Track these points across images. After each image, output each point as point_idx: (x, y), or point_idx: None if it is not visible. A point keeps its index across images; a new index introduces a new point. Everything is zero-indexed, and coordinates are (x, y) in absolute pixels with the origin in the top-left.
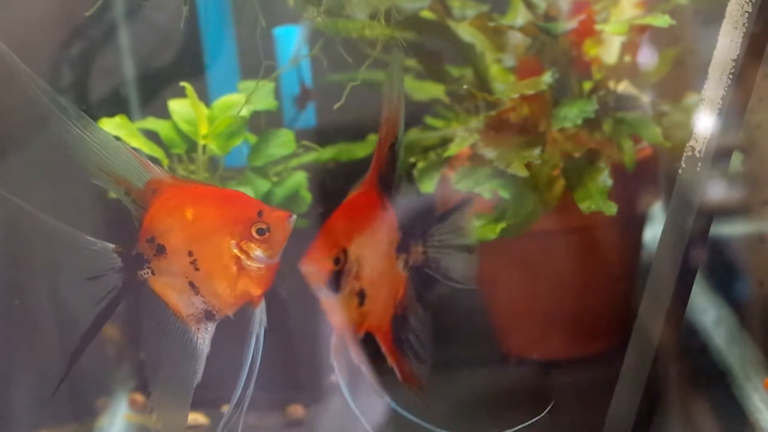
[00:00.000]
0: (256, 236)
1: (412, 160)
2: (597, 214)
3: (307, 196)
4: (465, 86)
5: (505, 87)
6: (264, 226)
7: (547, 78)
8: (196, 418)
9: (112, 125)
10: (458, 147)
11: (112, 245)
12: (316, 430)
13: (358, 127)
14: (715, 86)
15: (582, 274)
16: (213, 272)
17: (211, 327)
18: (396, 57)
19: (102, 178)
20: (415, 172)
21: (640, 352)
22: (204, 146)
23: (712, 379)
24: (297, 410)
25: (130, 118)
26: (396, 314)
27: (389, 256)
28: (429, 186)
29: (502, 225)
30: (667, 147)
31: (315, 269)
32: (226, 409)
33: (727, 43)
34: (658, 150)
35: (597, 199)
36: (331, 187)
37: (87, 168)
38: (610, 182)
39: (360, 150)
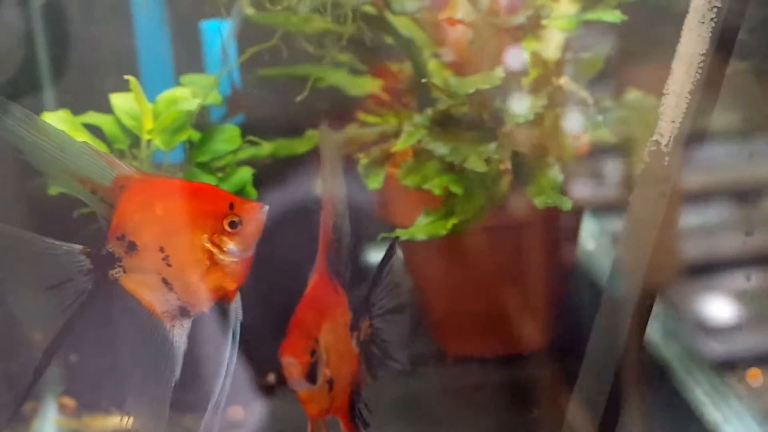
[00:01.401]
0: (229, 229)
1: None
2: (530, 211)
3: (253, 193)
4: (423, 80)
5: (459, 82)
6: (236, 219)
7: (500, 73)
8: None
9: (55, 119)
10: (406, 142)
11: (78, 246)
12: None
13: (295, 122)
14: (681, 81)
15: (516, 271)
16: (186, 268)
17: (187, 324)
18: (326, 136)
19: (64, 182)
20: (360, 169)
21: (601, 354)
22: (148, 142)
23: (652, 375)
24: (236, 412)
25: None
26: (352, 391)
27: (346, 338)
28: (376, 182)
29: (453, 221)
30: (611, 143)
31: (295, 363)
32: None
33: (693, 37)
34: (596, 146)
35: (551, 194)
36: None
37: (47, 172)
38: (561, 177)
39: (299, 146)
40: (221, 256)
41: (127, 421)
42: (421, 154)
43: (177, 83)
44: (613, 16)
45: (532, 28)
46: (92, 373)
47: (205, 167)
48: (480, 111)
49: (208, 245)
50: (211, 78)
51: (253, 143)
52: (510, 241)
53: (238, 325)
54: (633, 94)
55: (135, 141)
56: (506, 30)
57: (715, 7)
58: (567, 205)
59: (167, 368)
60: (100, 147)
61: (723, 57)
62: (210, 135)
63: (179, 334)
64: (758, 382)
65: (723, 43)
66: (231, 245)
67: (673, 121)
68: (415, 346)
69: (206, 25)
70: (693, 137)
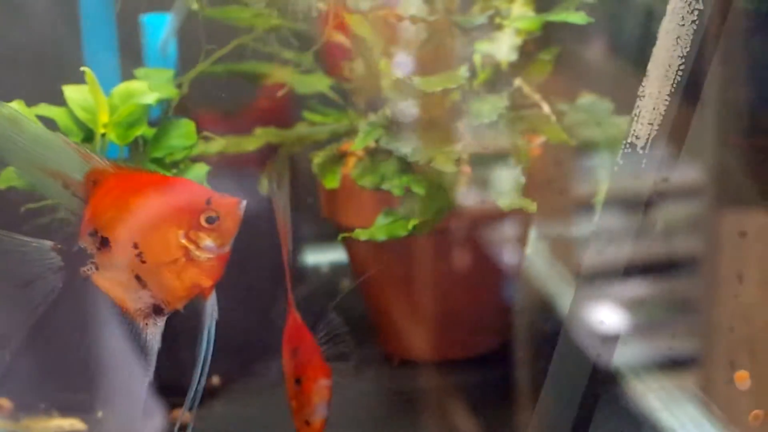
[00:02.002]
0: (206, 225)
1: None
2: (481, 213)
3: None
4: (395, 77)
5: (423, 81)
6: (214, 214)
7: (464, 72)
8: (73, 423)
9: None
10: (364, 141)
11: (49, 243)
12: None
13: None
14: (659, 83)
15: (464, 275)
16: (160, 264)
17: (161, 322)
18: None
19: (34, 175)
20: (315, 168)
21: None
22: (103, 135)
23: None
24: (183, 415)
25: None
26: None
27: None
28: (333, 181)
29: (414, 222)
30: (570, 145)
31: (330, 386)
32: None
33: (671, 40)
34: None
35: (514, 196)
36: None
37: (16, 165)
38: (523, 179)
39: (248, 143)
40: (197, 253)
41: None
42: (376, 154)
43: (121, 77)
44: (579, 17)
45: (492, 28)
46: (30, 374)
47: (159, 163)
48: (439, 111)
49: (183, 241)
50: (167, 72)
51: (207, 138)
52: (459, 244)
53: (214, 323)
54: (586, 98)
55: (88, 134)
56: (463, 30)
57: (696, 9)
58: (532, 207)
59: (140, 367)
60: None
61: (704, 60)
62: (165, 130)
63: (153, 333)
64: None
65: (704, 47)
66: (207, 241)
67: (651, 124)
68: (360, 349)
69: (147, 19)
70: (672, 140)
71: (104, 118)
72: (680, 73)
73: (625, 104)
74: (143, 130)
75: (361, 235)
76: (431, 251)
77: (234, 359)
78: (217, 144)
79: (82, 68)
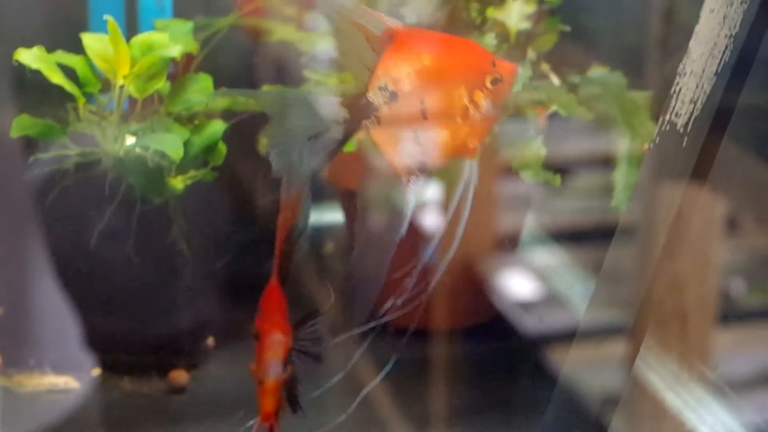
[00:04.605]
0: (490, 86)
1: None
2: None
3: (223, 148)
4: None
5: None
6: (498, 76)
7: (492, 40)
8: (67, 381)
9: (30, 57)
10: None
11: (338, 98)
12: (200, 396)
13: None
14: (703, 62)
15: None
16: (441, 121)
17: (423, 180)
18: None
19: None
20: None
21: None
22: (122, 87)
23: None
24: (180, 376)
25: None
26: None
27: None
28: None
29: None
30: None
31: (283, 342)
32: (97, 372)
33: (718, 19)
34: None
35: (537, 168)
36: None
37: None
38: (544, 151)
39: (256, 102)
40: (475, 112)
41: None
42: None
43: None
44: None
45: None
46: (18, 327)
47: (177, 117)
48: None
49: (465, 100)
50: (186, 24)
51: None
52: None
53: (472, 182)
54: (598, 70)
55: (106, 85)
56: None
57: None
58: (557, 180)
59: (395, 224)
60: (74, 90)
61: (754, 41)
62: (183, 84)
63: (413, 191)
64: None
65: (755, 28)
66: (486, 102)
67: (693, 102)
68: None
69: None
70: (717, 121)
71: (125, 69)
72: (728, 53)
73: (634, 78)
74: (162, 84)
75: None
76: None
77: (228, 319)
78: (224, 100)
79: (105, 17)
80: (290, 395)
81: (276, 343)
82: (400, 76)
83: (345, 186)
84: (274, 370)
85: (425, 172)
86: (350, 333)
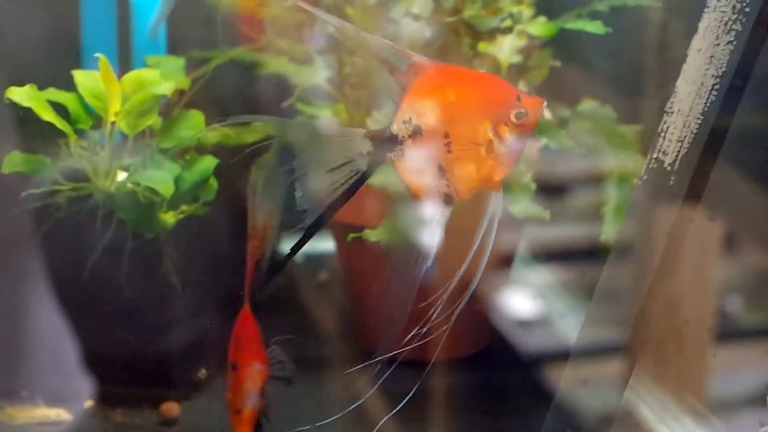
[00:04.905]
0: (515, 120)
1: None
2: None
3: (214, 183)
4: None
5: None
6: (522, 110)
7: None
8: (59, 413)
9: (21, 95)
10: None
11: (362, 130)
12: (191, 428)
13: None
14: (690, 101)
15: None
16: (464, 155)
17: (447, 212)
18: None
19: (370, 59)
20: None
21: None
22: (113, 124)
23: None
24: (172, 408)
25: None
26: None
27: None
28: None
29: None
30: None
31: (264, 371)
32: (89, 404)
33: (705, 58)
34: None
35: (527, 203)
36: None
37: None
38: (533, 186)
39: (248, 135)
40: (499, 146)
41: None
42: None
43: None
44: (596, 27)
45: (504, 32)
46: (10, 359)
47: (167, 153)
48: None
49: (490, 134)
50: (178, 61)
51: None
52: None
53: (497, 215)
54: (588, 104)
55: (98, 122)
56: (474, 32)
57: (733, 30)
58: (545, 215)
59: (421, 254)
60: (66, 128)
61: (741, 81)
62: (175, 121)
63: (439, 222)
64: None
65: (742, 68)
66: (511, 136)
67: (680, 141)
68: (344, 346)
69: (137, 1)
70: (704, 159)
71: (116, 106)
72: (714, 92)
73: (624, 112)
74: (153, 120)
75: (371, 235)
76: None
77: (220, 351)
78: (216, 134)
79: (96, 54)
80: (259, 423)
81: (255, 372)
82: (424, 110)
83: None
84: (252, 401)
85: (450, 204)
86: (371, 363)
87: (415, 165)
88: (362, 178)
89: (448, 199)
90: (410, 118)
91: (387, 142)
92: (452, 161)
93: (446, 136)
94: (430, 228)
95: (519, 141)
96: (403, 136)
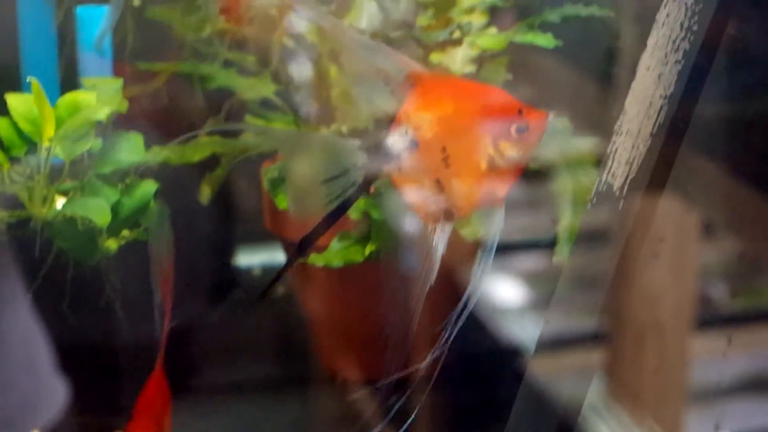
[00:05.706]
0: (515, 135)
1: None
2: None
3: (155, 208)
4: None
5: None
6: (524, 125)
7: None
8: None
9: None
10: None
11: (357, 142)
12: None
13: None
14: (639, 122)
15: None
16: (463, 170)
17: (448, 228)
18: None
19: (362, 67)
20: (266, 185)
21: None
22: (48, 149)
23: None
24: None
25: None
26: None
27: None
28: (284, 202)
29: (371, 247)
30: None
31: None
32: None
33: (653, 77)
34: None
35: (477, 225)
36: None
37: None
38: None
39: (193, 153)
40: (500, 161)
41: None
42: None
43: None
44: (546, 40)
45: (453, 44)
46: None
47: (105, 178)
48: None
49: (490, 149)
50: (116, 82)
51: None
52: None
53: (498, 231)
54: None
55: (32, 147)
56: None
57: (682, 48)
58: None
59: (424, 270)
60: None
61: (689, 101)
62: (112, 144)
63: (439, 238)
64: None
65: (690, 87)
66: (512, 151)
67: (629, 164)
68: (303, 368)
69: (82, 11)
70: (653, 183)
71: (50, 132)
72: (662, 113)
73: (580, 121)
74: (92, 144)
75: (317, 260)
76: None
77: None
78: (160, 154)
79: (29, 78)
80: None
81: None
82: (421, 123)
83: (287, 237)
84: None
85: (451, 220)
86: (378, 385)
87: (412, 179)
88: (358, 191)
89: (448, 215)
90: (406, 131)
91: (382, 155)
92: (451, 176)
93: (444, 150)
94: (432, 244)
95: (520, 156)
96: (399, 150)
